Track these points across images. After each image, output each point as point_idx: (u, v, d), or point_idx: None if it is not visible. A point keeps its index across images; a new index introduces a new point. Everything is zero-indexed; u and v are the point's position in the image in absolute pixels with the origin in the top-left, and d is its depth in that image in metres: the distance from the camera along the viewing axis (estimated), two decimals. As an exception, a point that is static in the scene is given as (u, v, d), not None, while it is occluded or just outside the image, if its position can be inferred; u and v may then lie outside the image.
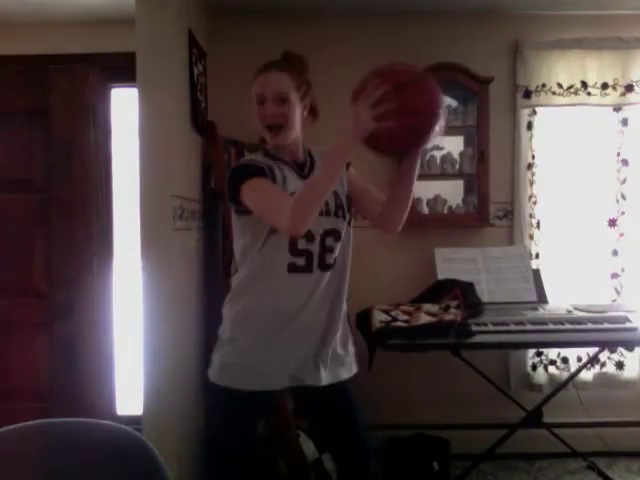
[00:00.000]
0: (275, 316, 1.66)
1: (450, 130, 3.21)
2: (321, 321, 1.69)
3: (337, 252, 1.69)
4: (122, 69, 2.62)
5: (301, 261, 1.65)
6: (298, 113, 1.70)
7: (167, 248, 2.35)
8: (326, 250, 1.67)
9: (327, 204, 1.65)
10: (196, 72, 2.76)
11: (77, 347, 2.87)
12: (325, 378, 1.70)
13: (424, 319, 2.59)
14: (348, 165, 1.79)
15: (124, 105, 3.04)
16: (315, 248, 1.65)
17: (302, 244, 1.64)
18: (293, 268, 1.65)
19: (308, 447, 2.56)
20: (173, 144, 2.42)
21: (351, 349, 1.80)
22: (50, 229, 2.88)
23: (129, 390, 3.05)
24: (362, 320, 2.70)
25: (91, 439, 1.19)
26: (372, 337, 2.55)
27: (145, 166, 2.33)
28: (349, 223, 1.75)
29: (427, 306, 2.74)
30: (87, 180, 2.91)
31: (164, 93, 2.35)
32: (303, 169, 1.74)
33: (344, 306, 1.76)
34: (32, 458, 1.16)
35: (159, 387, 2.31)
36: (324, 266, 1.67)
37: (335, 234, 1.69)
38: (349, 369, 1.78)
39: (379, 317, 2.65)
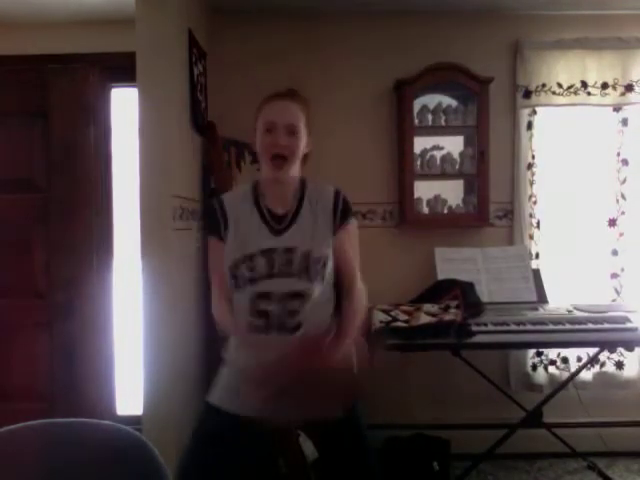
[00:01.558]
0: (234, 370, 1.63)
1: (450, 130, 3.22)
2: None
3: (305, 315, 1.57)
4: (122, 69, 2.62)
5: (260, 322, 1.58)
6: (302, 149, 1.64)
7: (167, 248, 2.35)
8: (287, 314, 1.57)
9: (289, 264, 1.57)
10: (196, 72, 2.76)
11: (77, 347, 2.87)
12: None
13: (424, 319, 2.59)
14: (343, 222, 1.65)
15: (124, 105, 3.04)
16: (274, 310, 1.57)
17: (262, 305, 1.58)
18: (253, 328, 1.59)
19: (308, 447, 2.56)
20: (173, 144, 2.42)
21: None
22: (50, 229, 2.88)
23: (129, 390, 3.05)
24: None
25: (91, 439, 1.19)
26: (372, 337, 2.55)
27: (145, 166, 2.33)
28: (324, 284, 1.61)
29: (427, 306, 2.74)
30: (87, 180, 2.91)
31: (164, 93, 2.35)
32: (281, 221, 1.63)
33: None
34: (32, 458, 1.16)
35: (159, 387, 2.31)
36: (285, 329, 1.56)
37: (299, 296, 1.57)
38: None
39: (379, 317, 2.65)
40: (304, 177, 1.70)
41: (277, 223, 1.63)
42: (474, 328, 2.50)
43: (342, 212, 1.66)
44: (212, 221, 1.68)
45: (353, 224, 1.69)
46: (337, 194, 1.67)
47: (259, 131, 1.62)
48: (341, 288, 1.66)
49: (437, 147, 3.20)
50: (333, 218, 1.64)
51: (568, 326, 2.58)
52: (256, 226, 1.63)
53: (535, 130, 3.21)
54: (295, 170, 1.64)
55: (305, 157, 1.69)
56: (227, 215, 1.65)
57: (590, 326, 2.60)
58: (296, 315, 1.57)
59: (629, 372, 3.20)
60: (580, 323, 2.61)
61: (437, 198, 3.21)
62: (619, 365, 3.19)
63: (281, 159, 1.59)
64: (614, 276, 3.23)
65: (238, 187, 1.76)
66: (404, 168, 3.12)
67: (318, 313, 1.61)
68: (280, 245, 1.59)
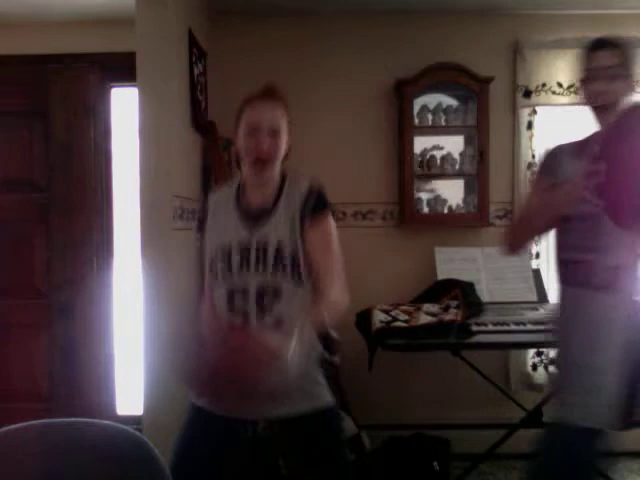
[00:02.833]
0: None
1: (450, 130, 3.22)
2: None
3: (282, 311, 1.55)
4: (122, 69, 2.62)
5: (237, 319, 1.57)
6: (284, 150, 1.64)
7: (167, 248, 2.35)
8: (263, 310, 1.56)
9: (264, 260, 1.56)
10: (196, 72, 2.76)
11: (77, 347, 2.87)
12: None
13: (424, 319, 2.59)
14: (314, 220, 1.58)
15: (124, 105, 3.04)
16: (251, 308, 1.56)
17: (238, 301, 1.58)
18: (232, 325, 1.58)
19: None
20: (173, 144, 2.42)
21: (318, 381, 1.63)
22: (50, 229, 2.88)
23: (129, 390, 3.05)
24: (362, 320, 2.70)
25: (91, 439, 1.19)
26: (372, 337, 2.55)
27: (145, 166, 2.33)
28: (300, 281, 1.57)
29: (427, 306, 2.74)
30: (87, 180, 2.91)
31: (164, 93, 2.36)
32: (258, 217, 1.62)
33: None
34: (32, 458, 1.16)
35: (159, 387, 2.31)
36: (264, 326, 1.54)
37: (273, 292, 1.56)
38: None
39: (379, 317, 2.65)
40: (286, 172, 1.68)
41: (254, 219, 1.63)
42: (474, 328, 2.50)
43: (313, 207, 1.59)
44: (199, 216, 1.72)
45: (325, 220, 1.60)
46: (310, 189, 1.61)
47: (242, 133, 1.62)
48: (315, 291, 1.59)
49: (437, 147, 3.20)
50: (302, 214, 1.59)
51: (568, 326, 2.58)
52: (233, 222, 1.64)
53: (535, 130, 3.21)
54: (276, 169, 1.64)
55: (286, 154, 1.68)
56: (207, 210, 1.68)
57: (590, 326, 2.59)
58: (273, 311, 1.56)
59: (629, 372, 3.19)
60: (580, 323, 2.61)
61: (437, 198, 3.21)
62: (619, 365, 3.18)
63: (263, 162, 1.59)
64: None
65: (232, 182, 1.77)
66: (404, 168, 3.12)
67: (296, 311, 1.55)
68: (254, 241, 1.60)
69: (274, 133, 1.60)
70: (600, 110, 1.62)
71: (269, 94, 1.65)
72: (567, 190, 1.54)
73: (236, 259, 1.59)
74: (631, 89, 1.62)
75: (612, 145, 1.48)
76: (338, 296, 1.57)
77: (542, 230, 1.68)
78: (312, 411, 1.60)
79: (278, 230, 1.60)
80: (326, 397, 1.63)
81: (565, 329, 1.69)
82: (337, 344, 1.71)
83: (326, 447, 1.66)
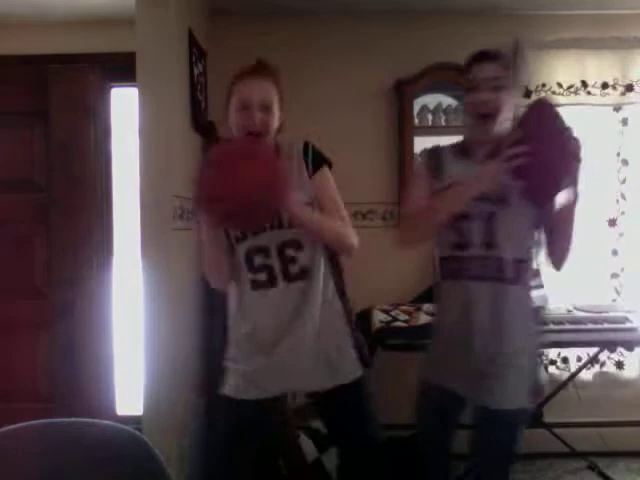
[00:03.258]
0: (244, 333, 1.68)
1: (450, 130, 3.20)
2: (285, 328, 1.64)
3: (303, 261, 1.64)
4: (122, 69, 2.62)
5: (262, 276, 1.64)
6: (276, 124, 1.67)
7: (167, 248, 2.35)
8: (287, 261, 1.63)
9: (277, 217, 1.60)
10: (196, 72, 2.76)
11: (77, 347, 2.87)
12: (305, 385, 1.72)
13: (424, 319, 2.60)
14: (316, 170, 1.68)
15: (124, 105, 3.04)
16: (274, 262, 1.63)
17: (259, 260, 1.63)
18: (256, 285, 1.65)
19: (308, 447, 2.56)
20: (173, 144, 2.42)
21: (346, 353, 1.71)
22: (50, 229, 2.88)
23: (129, 390, 3.05)
24: (362, 320, 2.69)
25: (91, 439, 1.19)
26: (372, 337, 2.55)
27: (145, 166, 2.33)
28: None
29: (427, 306, 2.74)
30: (87, 180, 2.91)
31: (164, 93, 2.36)
32: None
33: (316, 311, 1.66)
34: (32, 458, 1.16)
35: (159, 387, 2.31)
36: (290, 277, 1.64)
37: (294, 244, 1.64)
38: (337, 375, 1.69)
39: (379, 317, 2.66)
40: (278, 143, 1.71)
41: None
42: (474, 328, 2.50)
43: (313, 160, 1.68)
44: None
45: (326, 170, 1.69)
46: (306, 144, 1.69)
47: (233, 108, 1.65)
48: None
49: (437, 147, 3.20)
50: (305, 166, 1.66)
51: (568, 326, 2.58)
52: None
53: (535, 130, 3.21)
54: (269, 143, 1.67)
55: (279, 128, 1.71)
56: None
57: (590, 326, 2.60)
58: (296, 262, 1.63)
59: (629, 372, 3.20)
60: (580, 323, 2.62)
61: (437, 198, 3.21)
62: (619, 365, 3.19)
63: (257, 135, 1.62)
64: (614, 276, 3.23)
65: None
66: (404, 168, 3.12)
67: (317, 261, 1.66)
68: None
69: (265, 108, 1.62)
70: (483, 118, 1.68)
71: (260, 69, 1.68)
72: (487, 174, 1.58)
73: None
74: (513, 100, 1.71)
75: (533, 128, 1.56)
76: (350, 232, 1.67)
77: (443, 224, 1.72)
78: (337, 386, 1.67)
79: None
80: (354, 371, 1.69)
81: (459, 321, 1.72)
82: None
83: (354, 423, 1.71)
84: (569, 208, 1.69)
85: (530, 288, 1.73)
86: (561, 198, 1.68)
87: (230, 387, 1.70)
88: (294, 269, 1.63)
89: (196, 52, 2.77)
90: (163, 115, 2.35)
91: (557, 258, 1.71)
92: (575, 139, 1.61)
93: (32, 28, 2.98)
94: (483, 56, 1.73)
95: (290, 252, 1.63)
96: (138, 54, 2.29)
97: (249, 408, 1.67)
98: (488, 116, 1.66)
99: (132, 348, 2.85)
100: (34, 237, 2.90)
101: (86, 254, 2.90)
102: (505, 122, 1.68)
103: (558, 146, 1.59)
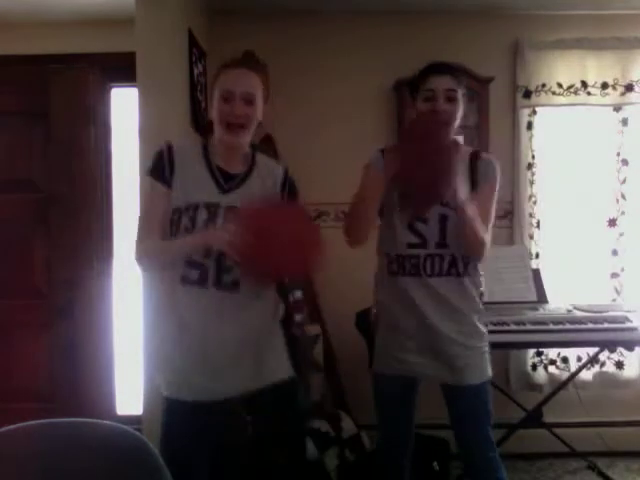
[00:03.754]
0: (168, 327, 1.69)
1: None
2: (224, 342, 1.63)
3: (237, 274, 1.60)
4: (122, 69, 2.61)
5: (194, 274, 1.62)
6: (259, 116, 1.68)
7: (167, 248, 2.35)
8: (222, 269, 1.60)
9: (231, 217, 1.59)
10: (196, 72, 2.76)
11: (77, 347, 2.86)
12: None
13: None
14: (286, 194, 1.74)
15: (124, 105, 3.04)
16: (210, 264, 1.60)
17: (197, 257, 1.61)
18: (186, 280, 1.63)
19: (308, 447, 2.56)
20: (173, 144, 2.42)
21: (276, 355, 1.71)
22: (50, 229, 2.88)
23: (129, 390, 3.05)
24: (362, 320, 2.69)
25: (91, 439, 1.19)
26: (372, 337, 2.54)
27: (145, 166, 2.32)
28: None
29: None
30: (87, 180, 2.91)
31: (164, 93, 2.36)
32: (230, 181, 1.68)
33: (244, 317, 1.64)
34: (32, 458, 1.16)
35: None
36: (221, 286, 1.61)
37: None
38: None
39: (379, 317, 2.65)
40: (254, 144, 1.74)
41: (225, 181, 1.67)
42: (474, 328, 2.50)
43: (289, 192, 1.73)
44: (158, 164, 1.68)
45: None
46: (286, 173, 1.75)
47: (216, 99, 1.65)
48: None
49: (437, 147, 3.20)
50: (281, 195, 1.72)
51: (568, 326, 2.58)
52: (203, 179, 1.66)
53: (535, 130, 3.21)
54: (249, 136, 1.68)
55: (259, 123, 1.71)
56: (174, 161, 1.66)
57: (590, 326, 2.60)
58: (232, 272, 1.60)
59: (629, 372, 3.20)
60: (580, 323, 2.62)
61: (437, 198, 3.21)
62: (619, 365, 3.19)
63: (237, 127, 1.62)
64: (614, 276, 3.23)
65: (184, 141, 1.79)
66: (404, 168, 3.12)
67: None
68: (225, 202, 1.63)
69: (248, 100, 1.62)
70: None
71: (246, 61, 1.68)
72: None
73: (202, 216, 1.61)
74: (461, 110, 1.83)
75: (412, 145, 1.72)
76: None
77: (372, 218, 1.88)
78: (271, 386, 1.66)
79: (251, 197, 1.64)
80: (285, 370, 1.69)
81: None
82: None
83: (285, 422, 1.74)
84: (460, 212, 1.75)
85: (475, 278, 1.89)
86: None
87: (167, 386, 1.68)
88: (227, 278, 1.61)
89: (196, 52, 2.77)
90: (163, 115, 2.35)
91: (467, 252, 1.83)
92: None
93: (32, 28, 2.97)
94: (438, 68, 1.82)
95: (229, 261, 1.59)
96: (138, 54, 2.29)
97: (193, 410, 1.64)
98: (445, 124, 1.77)
99: (132, 348, 2.84)
100: (34, 237, 2.89)
101: (86, 254, 2.90)
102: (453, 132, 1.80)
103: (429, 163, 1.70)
